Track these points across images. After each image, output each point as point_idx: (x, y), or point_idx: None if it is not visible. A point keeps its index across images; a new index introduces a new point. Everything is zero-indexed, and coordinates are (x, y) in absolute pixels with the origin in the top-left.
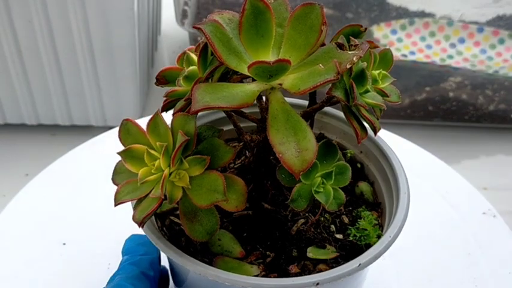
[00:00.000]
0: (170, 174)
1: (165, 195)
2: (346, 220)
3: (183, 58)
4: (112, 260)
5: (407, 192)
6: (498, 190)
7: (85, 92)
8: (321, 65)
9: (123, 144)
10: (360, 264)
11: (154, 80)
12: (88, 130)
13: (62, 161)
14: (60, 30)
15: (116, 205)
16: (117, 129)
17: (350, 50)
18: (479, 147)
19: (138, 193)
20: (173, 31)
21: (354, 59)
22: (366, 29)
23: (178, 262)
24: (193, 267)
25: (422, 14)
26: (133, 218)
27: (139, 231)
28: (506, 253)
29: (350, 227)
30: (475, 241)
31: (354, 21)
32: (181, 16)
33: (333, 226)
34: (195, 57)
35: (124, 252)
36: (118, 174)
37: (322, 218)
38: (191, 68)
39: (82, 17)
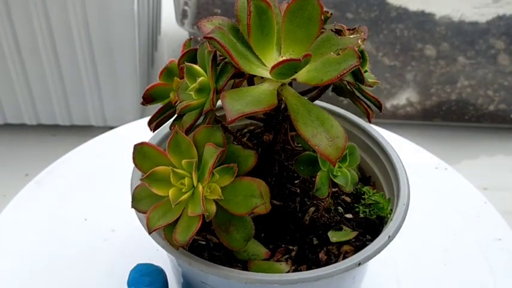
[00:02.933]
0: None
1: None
2: (348, 199)
3: (166, 73)
4: (113, 263)
5: (400, 160)
6: (498, 190)
7: (85, 92)
8: (332, 53)
9: (140, 169)
10: (389, 237)
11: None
12: (88, 130)
13: (62, 161)
14: (60, 30)
15: (150, 233)
16: (117, 129)
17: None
18: (479, 147)
19: (171, 215)
20: (173, 31)
21: (359, 42)
22: (331, 14)
23: (220, 276)
24: (237, 278)
25: (422, 14)
26: (176, 242)
27: (143, 235)
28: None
29: (356, 205)
30: (485, 261)
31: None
32: (181, 16)
33: (340, 208)
34: (198, 68)
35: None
36: (140, 201)
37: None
38: (201, 79)
39: (82, 17)
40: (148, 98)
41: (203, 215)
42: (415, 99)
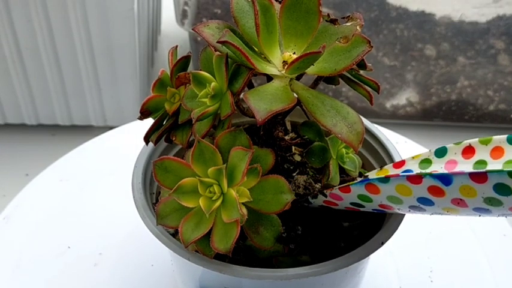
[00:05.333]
0: None
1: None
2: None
3: (159, 84)
4: (115, 261)
5: (397, 151)
6: None
7: (85, 92)
8: (337, 42)
9: (162, 184)
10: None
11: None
12: (88, 130)
13: (62, 161)
14: (60, 30)
15: (186, 246)
16: (117, 129)
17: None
18: None
19: (204, 226)
20: (173, 31)
21: (358, 28)
22: (328, 14)
23: (256, 278)
24: (273, 277)
25: (422, 14)
26: (217, 250)
27: (144, 233)
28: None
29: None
30: (478, 242)
31: None
32: (181, 16)
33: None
34: (207, 74)
35: None
36: (166, 217)
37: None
38: (214, 84)
39: (82, 17)
40: (145, 112)
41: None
42: (415, 99)
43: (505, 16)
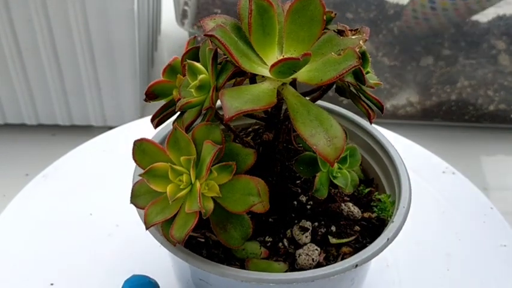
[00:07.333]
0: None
1: None
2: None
3: (170, 70)
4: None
5: (402, 161)
6: (498, 190)
7: (85, 92)
8: (333, 53)
9: (139, 165)
10: (388, 239)
11: (165, 65)
12: (88, 130)
13: (62, 161)
14: (60, 30)
15: (147, 228)
16: (117, 129)
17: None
18: (479, 147)
19: (168, 212)
20: (173, 31)
21: (361, 42)
22: (335, 14)
23: (216, 274)
24: (233, 276)
25: None
26: (173, 238)
27: (142, 237)
28: None
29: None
30: (488, 267)
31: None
32: (181, 16)
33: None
34: (199, 65)
35: None
36: (138, 197)
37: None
38: (202, 76)
39: (82, 17)
40: (151, 95)
41: (200, 212)
42: (415, 99)
43: (505, 16)
